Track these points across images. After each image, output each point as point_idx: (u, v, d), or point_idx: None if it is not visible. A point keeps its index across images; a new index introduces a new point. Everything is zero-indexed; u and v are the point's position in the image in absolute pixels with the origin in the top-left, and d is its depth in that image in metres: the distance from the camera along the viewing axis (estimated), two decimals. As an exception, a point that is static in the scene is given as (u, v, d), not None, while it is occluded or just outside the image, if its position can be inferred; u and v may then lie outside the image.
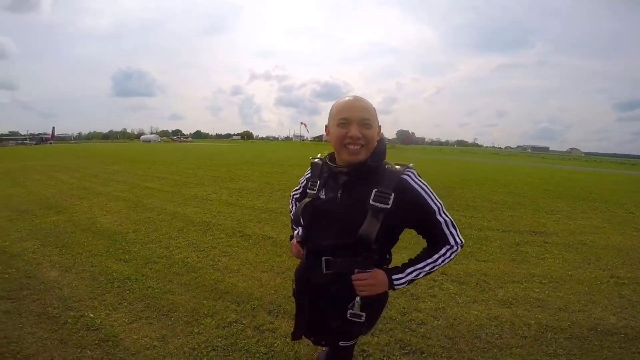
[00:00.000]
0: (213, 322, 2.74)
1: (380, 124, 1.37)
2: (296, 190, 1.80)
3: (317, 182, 1.45)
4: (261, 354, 2.38)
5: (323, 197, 1.40)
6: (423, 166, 20.89)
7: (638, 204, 8.90)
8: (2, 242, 4.55)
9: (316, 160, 1.54)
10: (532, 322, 2.89)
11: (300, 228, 1.57)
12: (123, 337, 2.51)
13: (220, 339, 2.52)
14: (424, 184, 1.31)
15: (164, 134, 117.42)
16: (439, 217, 1.33)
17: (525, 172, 18.25)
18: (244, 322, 2.75)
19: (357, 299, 1.35)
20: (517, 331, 2.76)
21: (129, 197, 7.81)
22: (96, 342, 2.45)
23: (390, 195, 1.24)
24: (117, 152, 28.15)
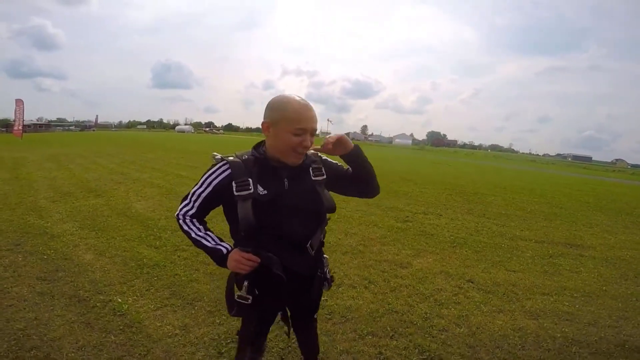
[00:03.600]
0: (235, 313, 2.72)
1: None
2: (187, 205, 1.45)
3: (247, 181, 1.34)
4: (279, 349, 2.35)
5: (264, 192, 1.36)
6: (453, 170, 20.27)
7: None
8: (44, 223, 4.76)
9: (232, 158, 1.40)
10: (558, 335, 2.76)
11: (221, 241, 1.44)
12: (147, 324, 2.53)
13: (240, 331, 2.50)
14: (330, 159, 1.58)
15: (197, 125, 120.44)
16: (343, 166, 1.58)
17: (563, 182, 17.25)
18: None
19: (325, 257, 1.61)
20: (541, 343, 2.63)
21: (162, 184, 8.04)
22: (121, 327, 2.48)
23: (321, 167, 1.49)
24: (154, 140, 29.11)
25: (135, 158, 13.42)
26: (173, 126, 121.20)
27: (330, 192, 1.52)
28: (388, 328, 2.68)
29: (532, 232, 5.98)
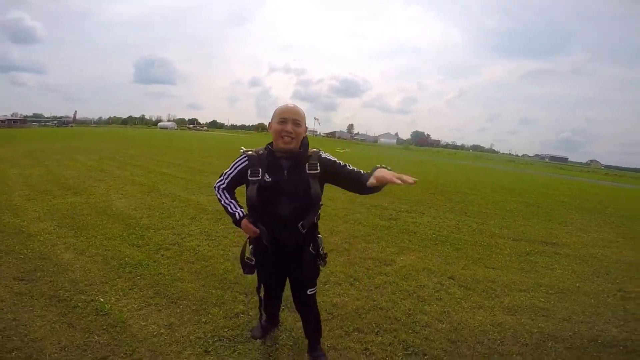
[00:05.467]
0: (221, 312, 2.71)
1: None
2: (221, 181, 2.01)
3: (258, 169, 1.85)
4: (266, 347, 2.36)
5: (269, 179, 1.84)
6: (436, 169, 20.61)
7: None
8: (20, 222, 4.59)
9: (251, 152, 1.93)
10: (535, 330, 2.85)
11: (239, 208, 1.96)
12: (131, 323, 2.49)
13: (226, 330, 2.50)
14: (328, 154, 1.96)
15: (180, 122, 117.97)
16: (340, 164, 1.91)
17: (541, 182, 17.79)
18: (250, 313, 2.72)
19: (320, 237, 2.04)
20: (519, 339, 2.73)
21: (144, 181, 7.87)
22: (104, 327, 2.44)
23: (317, 164, 1.87)
24: (135, 137, 28.44)
25: (115, 155, 13.07)
26: (155, 122, 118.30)
27: (329, 185, 1.94)
28: (373, 324, 2.72)
29: (510, 230, 6.16)
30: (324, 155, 1.95)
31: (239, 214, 1.95)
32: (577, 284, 3.91)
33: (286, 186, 1.84)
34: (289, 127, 1.81)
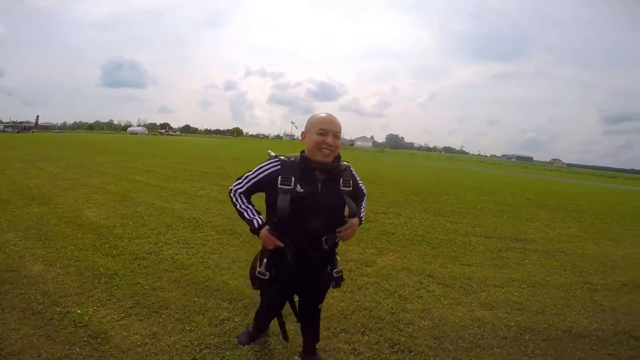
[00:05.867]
0: (205, 319, 2.66)
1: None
2: (239, 184, 1.86)
3: (291, 178, 1.73)
4: (255, 352, 2.34)
5: (301, 190, 1.72)
6: (411, 171, 21.12)
7: (613, 215, 9.20)
8: (-19, 234, 4.31)
9: (284, 157, 1.79)
10: (512, 324, 2.97)
11: (258, 215, 1.84)
12: (113, 334, 2.40)
13: (213, 337, 2.46)
14: (355, 173, 1.98)
15: (152, 126, 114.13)
16: (362, 188, 2.02)
17: (509, 181, 18.54)
18: (236, 320, 2.69)
19: (336, 257, 1.98)
20: (498, 332, 2.84)
21: (115, 190, 7.56)
22: (85, 338, 2.34)
23: (350, 180, 1.87)
24: (103, 143, 27.31)
25: (82, 162, 12.47)
26: (124, 127, 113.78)
27: None
28: (359, 324, 2.76)
29: (482, 228, 6.39)
30: (353, 172, 1.95)
31: (257, 221, 1.81)
32: (547, 278, 4.10)
33: (320, 200, 1.75)
34: (330, 139, 1.73)
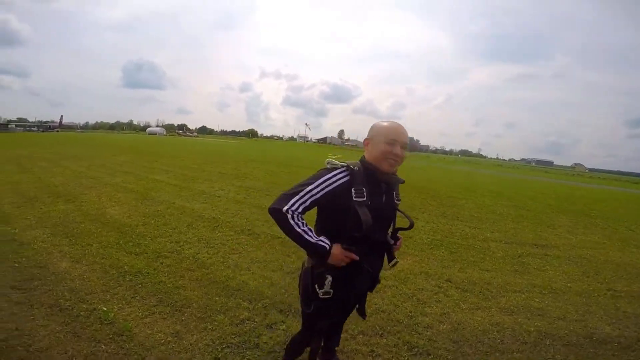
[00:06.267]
0: (226, 319, 2.70)
1: None
2: (296, 202, 1.54)
3: (363, 189, 1.57)
4: (275, 352, 2.36)
5: (369, 202, 1.57)
6: (427, 175, 20.90)
7: (638, 221, 8.91)
8: (11, 229, 4.47)
9: (351, 166, 1.62)
10: (532, 329, 2.94)
11: (323, 238, 1.60)
12: (137, 332, 2.46)
13: (234, 336, 2.49)
14: None
15: (170, 127, 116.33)
16: None
17: (528, 186, 18.19)
18: (256, 320, 2.72)
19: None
20: (518, 337, 2.82)
21: (136, 188, 7.74)
22: (110, 336, 2.40)
23: (399, 194, 1.81)
24: (123, 143, 27.97)
25: (104, 161, 12.82)
26: (144, 128, 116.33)
27: None
28: (377, 327, 2.76)
29: (502, 233, 6.27)
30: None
31: (326, 245, 1.56)
32: (569, 284, 4.02)
33: (385, 212, 1.69)
34: (398, 150, 1.62)
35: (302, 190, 1.55)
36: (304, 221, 1.56)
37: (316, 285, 1.63)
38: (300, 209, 1.54)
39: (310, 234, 1.55)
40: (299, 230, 1.52)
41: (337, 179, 1.58)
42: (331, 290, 1.62)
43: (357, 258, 1.58)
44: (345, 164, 1.62)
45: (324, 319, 1.76)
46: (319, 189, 1.55)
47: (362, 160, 1.69)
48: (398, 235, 1.84)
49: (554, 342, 2.77)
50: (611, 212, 10.27)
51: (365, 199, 1.56)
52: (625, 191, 23.56)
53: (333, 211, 1.61)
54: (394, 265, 1.82)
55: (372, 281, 1.83)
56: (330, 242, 1.57)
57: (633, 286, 4.11)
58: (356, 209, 1.53)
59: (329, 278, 1.61)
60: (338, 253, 1.57)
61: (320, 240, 1.56)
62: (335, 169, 1.61)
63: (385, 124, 1.69)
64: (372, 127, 1.71)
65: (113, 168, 11.00)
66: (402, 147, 1.63)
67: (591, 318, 3.21)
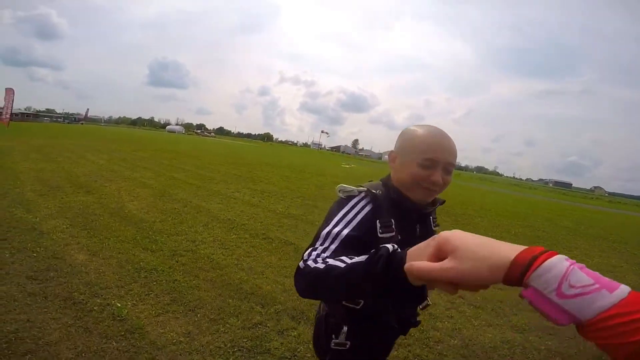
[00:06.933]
0: (238, 322, 2.66)
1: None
2: (317, 249, 1.00)
3: (390, 221, 1.10)
4: (285, 359, 2.32)
5: (400, 237, 1.10)
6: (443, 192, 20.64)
7: None
8: (33, 218, 4.53)
9: (375, 192, 1.13)
10: (543, 347, 2.93)
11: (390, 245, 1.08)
12: (149, 330, 2.43)
13: (245, 340, 2.45)
14: None
15: (188, 126, 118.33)
16: None
17: (545, 207, 17.74)
18: (268, 324, 2.68)
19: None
20: (528, 354, 2.79)
21: (155, 185, 7.83)
22: (122, 333, 2.37)
23: (436, 218, 1.35)
24: (144, 139, 28.50)
25: (125, 155, 13.05)
26: (164, 125, 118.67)
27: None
28: (389, 340, 2.69)
29: (517, 253, 6.08)
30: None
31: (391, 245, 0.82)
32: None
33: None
34: (438, 176, 1.08)
35: (321, 235, 1.05)
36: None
37: (332, 335, 1.24)
38: (326, 254, 0.99)
39: (345, 259, 0.89)
40: (322, 266, 0.90)
41: (359, 208, 1.11)
42: (347, 342, 1.22)
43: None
44: (365, 188, 1.15)
45: None
46: (340, 226, 1.05)
47: (386, 183, 1.20)
48: None
49: (563, 360, 2.72)
50: (630, 237, 9.91)
51: (394, 234, 1.10)
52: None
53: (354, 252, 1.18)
54: (424, 308, 1.30)
55: (403, 326, 1.30)
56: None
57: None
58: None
59: (345, 328, 1.22)
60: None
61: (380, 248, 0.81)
62: (352, 196, 1.13)
63: (421, 132, 1.12)
64: (402, 134, 1.18)
65: (133, 163, 11.19)
66: (444, 170, 1.11)
67: (603, 339, 3.12)
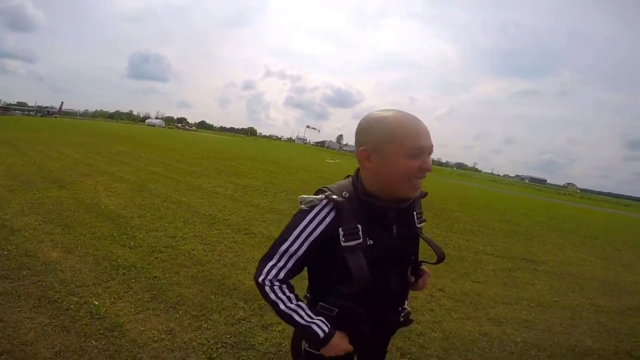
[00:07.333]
0: (221, 318, 2.63)
1: None
2: (275, 267, 1.07)
3: (357, 227, 1.03)
4: (270, 354, 2.31)
5: (370, 242, 1.05)
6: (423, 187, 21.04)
7: (625, 242, 9.05)
8: (2, 214, 4.31)
9: (335, 196, 1.05)
10: (519, 340, 3.01)
11: (318, 318, 1.07)
12: (129, 328, 2.37)
13: (229, 336, 2.43)
14: None
15: (169, 120, 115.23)
16: None
17: (521, 202, 18.44)
18: (252, 320, 2.66)
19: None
20: (505, 347, 2.86)
21: (133, 179, 7.59)
22: (101, 331, 2.30)
23: (422, 212, 1.25)
24: (121, 132, 27.58)
25: (101, 149, 12.56)
26: (143, 119, 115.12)
27: None
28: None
29: (494, 247, 6.30)
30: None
31: (320, 330, 1.05)
32: (555, 299, 4.08)
33: (397, 251, 1.14)
34: (429, 162, 1.05)
35: (279, 250, 1.07)
36: (290, 293, 1.07)
37: (302, 341, 1.20)
38: (281, 275, 1.06)
39: (301, 312, 1.06)
40: (284, 307, 1.05)
41: (319, 220, 1.06)
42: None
43: (350, 347, 1.10)
44: (324, 194, 1.06)
45: None
46: (297, 244, 1.06)
47: (355, 184, 1.10)
48: (422, 268, 1.30)
49: (539, 352, 2.83)
50: (599, 232, 10.37)
51: (360, 240, 1.03)
52: (614, 213, 24.14)
53: (321, 262, 1.10)
54: (406, 325, 1.26)
55: (386, 336, 1.32)
56: (329, 324, 1.08)
57: (615, 302, 4.19)
58: (345, 257, 1.02)
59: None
60: (338, 344, 1.07)
61: (314, 323, 1.06)
62: (314, 206, 1.07)
63: (393, 120, 1.02)
64: (369, 126, 1.06)
65: (110, 157, 10.81)
66: (429, 155, 1.06)
67: (574, 331, 3.28)
